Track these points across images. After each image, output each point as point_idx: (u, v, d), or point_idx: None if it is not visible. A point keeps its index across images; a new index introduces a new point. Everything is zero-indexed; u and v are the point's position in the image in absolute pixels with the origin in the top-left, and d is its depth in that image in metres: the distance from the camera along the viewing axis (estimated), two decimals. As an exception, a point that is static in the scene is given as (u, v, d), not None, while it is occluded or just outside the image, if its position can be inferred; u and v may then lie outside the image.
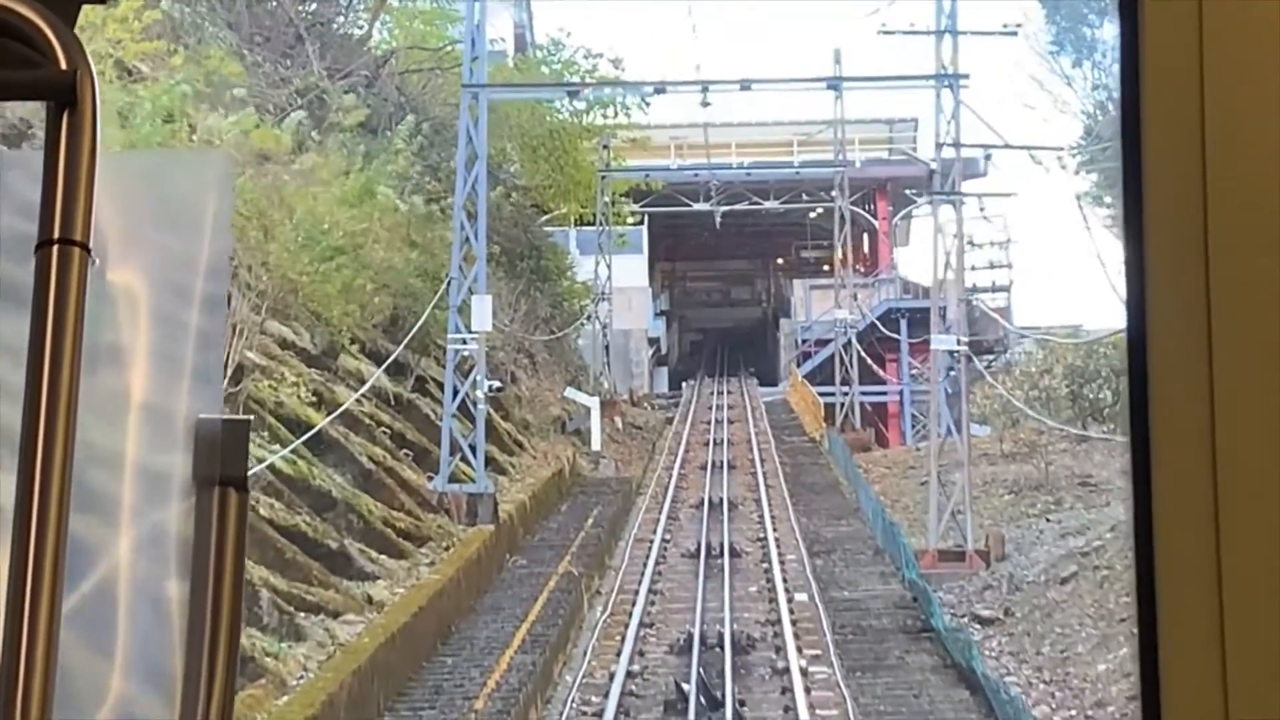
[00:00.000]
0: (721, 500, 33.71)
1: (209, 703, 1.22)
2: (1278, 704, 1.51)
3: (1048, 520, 31.20)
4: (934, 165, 28.37)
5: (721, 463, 40.17)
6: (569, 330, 50.42)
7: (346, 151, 33.60)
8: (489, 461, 33.40)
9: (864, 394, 56.37)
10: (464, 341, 28.77)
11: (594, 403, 42.24)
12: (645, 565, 27.19)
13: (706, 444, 44.99)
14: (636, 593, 25.04)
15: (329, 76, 44.07)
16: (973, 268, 75.11)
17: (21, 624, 1.08)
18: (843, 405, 52.88)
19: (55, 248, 1.15)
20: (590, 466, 41.50)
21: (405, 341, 27.67)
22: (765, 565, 27.31)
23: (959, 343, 28.35)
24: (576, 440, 42.93)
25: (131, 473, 1.28)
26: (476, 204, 29.54)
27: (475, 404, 28.64)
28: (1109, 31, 72.20)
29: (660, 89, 29.38)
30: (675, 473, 38.96)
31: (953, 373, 30.35)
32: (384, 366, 27.47)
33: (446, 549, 25.47)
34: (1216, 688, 1.51)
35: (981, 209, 29.75)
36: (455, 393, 28.60)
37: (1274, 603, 1.51)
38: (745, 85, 29.19)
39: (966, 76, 28.58)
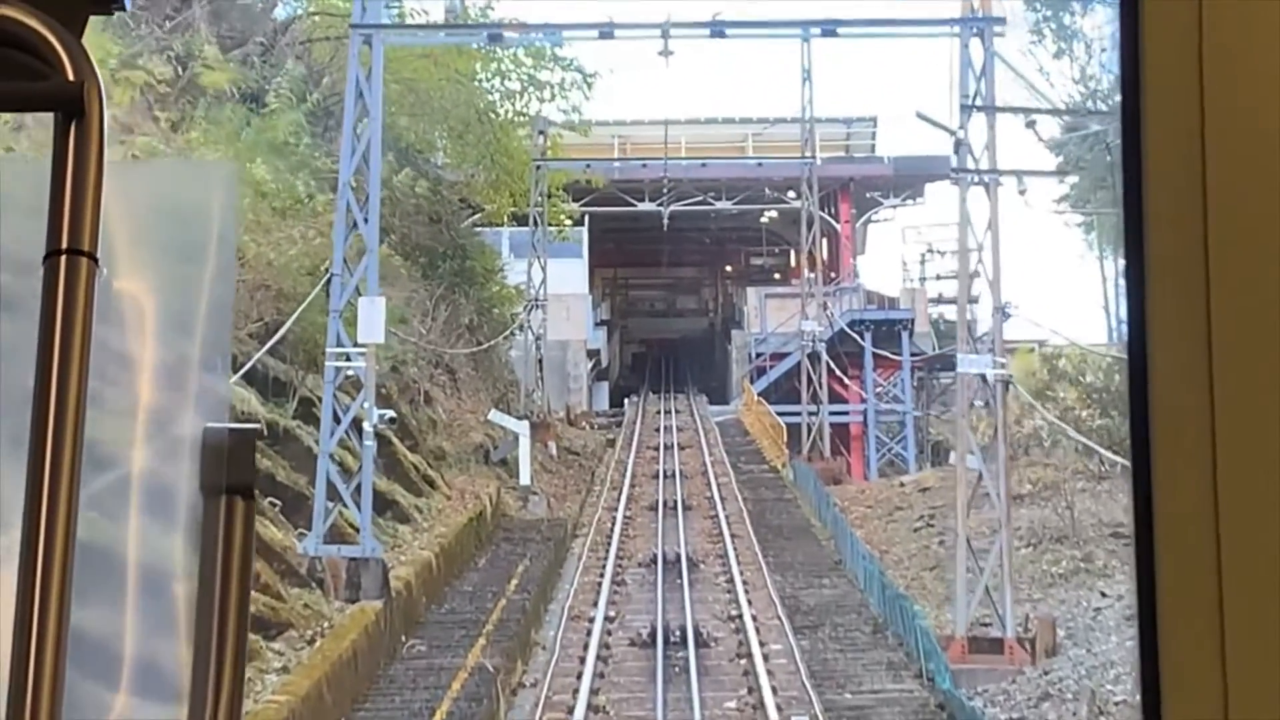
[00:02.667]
0: (679, 557, 27.03)
1: (216, 709, 1.21)
2: (1278, 707, 1.50)
3: (1097, 592, 24.66)
4: (960, 133, 21.77)
5: (675, 502, 33.53)
6: (495, 341, 43.57)
7: (204, 121, 26.73)
8: (389, 506, 26.67)
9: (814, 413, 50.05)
10: (347, 357, 21.95)
11: (523, 428, 35.50)
12: (584, 659, 20.45)
13: (655, 476, 38.31)
14: (572, 707, 18.25)
15: (219, 44, 37.27)
16: (938, 276, 69.68)
17: (31, 629, 1.09)
18: (809, 429, 46.32)
19: (63, 257, 1.15)
20: (518, 505, 34.79)
21: (265, 350, 20.80)
22: (744, 660, 20.61)
23: (996, 365, 21.69)
24: (502, 472, 36.20)
25: (139, 480, 1.30)
26: (368, 179, 22.74)
27: (362, 438, 21.80)
28: (1091, 22, 66.25)
29: (608, 32, 22.81)
30: (619, 514, 32.24)
31: (983, 405, 23.67)
32: (240, 373, 20.73)
33: (311, 641, 18.70)
34: (1217, 690, 1.49)
35: (1022, 190, 23.14)
36: (336, 424, 21.78)
37: (1274, 605, 1.50)
38: (717, 31, 22.61)
39: (1002, 21, 22.11)
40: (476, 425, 36.84)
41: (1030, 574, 28.12)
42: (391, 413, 23.67)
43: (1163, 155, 1.55)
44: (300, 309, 22.46)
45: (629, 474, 38.71)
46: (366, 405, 21.77)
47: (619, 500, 34.66)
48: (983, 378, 22.33)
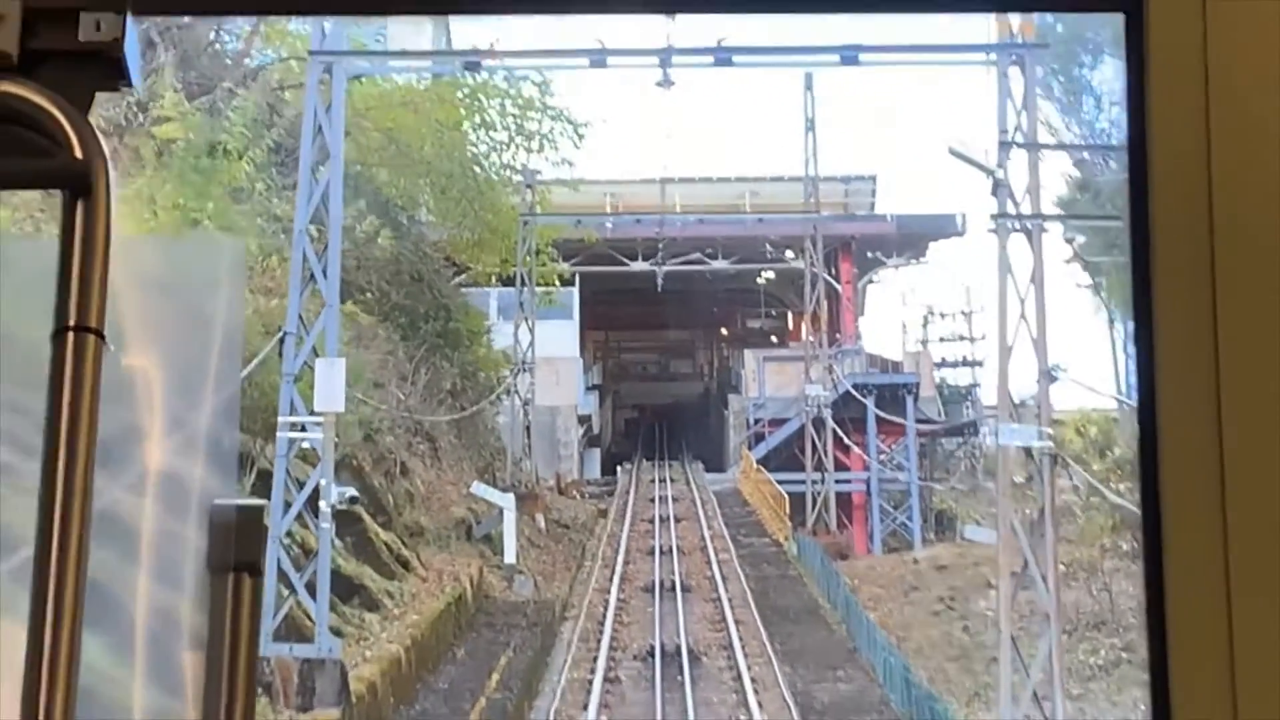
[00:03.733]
0: (679, 649, 24.26)
1: None
2: None
3: (1143, 686, 21.86)
4: (998, 173, 19.18)
5: (673, 582, 30.75)
6: (480, 407, 40.88)
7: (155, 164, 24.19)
8: (357, 591, 23.96)
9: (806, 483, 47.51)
10: (302, 427, 19.23)
11: (508, 501, 32.77)
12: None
13: (651, 552, 35.54)
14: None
15: (185, 91, 34.80)
16: (941, 339, 67.26)
17: (39, 700, 1.09)
18: (814, 499, 43.60)
19: (71, 334, 1.17)
20: (502, 585, 32.01)
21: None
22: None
23: (1042, 436, 18.99)
24: (486, 549, 33.43)
25: (148, 554, 1.30)
26: (328, 226, 20.11)
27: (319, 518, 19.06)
28: (1100, 76, 64.01)
29: (600, 60, 20.21)
30: (613, 597, 29.47)
31: (1025, 480, 20.97)
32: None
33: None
34: (1225, 693, 1.50)
35: (1069, 239, 20.48)
36: (288, 504, 19.04)
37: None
38: (722, 58, 20.00)
39: (1045, 47, 19.64)
40: (458, 498, 34.09)
41: (1066, 664, 25.35)
42: (353, 491, 21.02)
43: (1170, 199, 1.53)
44: (249, 368, 19.79)
45: (622, 548, 35.97)
46: (324, 481, 19.06)
47: (612, 579, 31.91)
48: (1027, 451, 19.68)
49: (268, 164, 30.22)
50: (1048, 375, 19.16)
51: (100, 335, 1.17)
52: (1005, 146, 18.86)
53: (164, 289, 1.36)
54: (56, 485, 1.14)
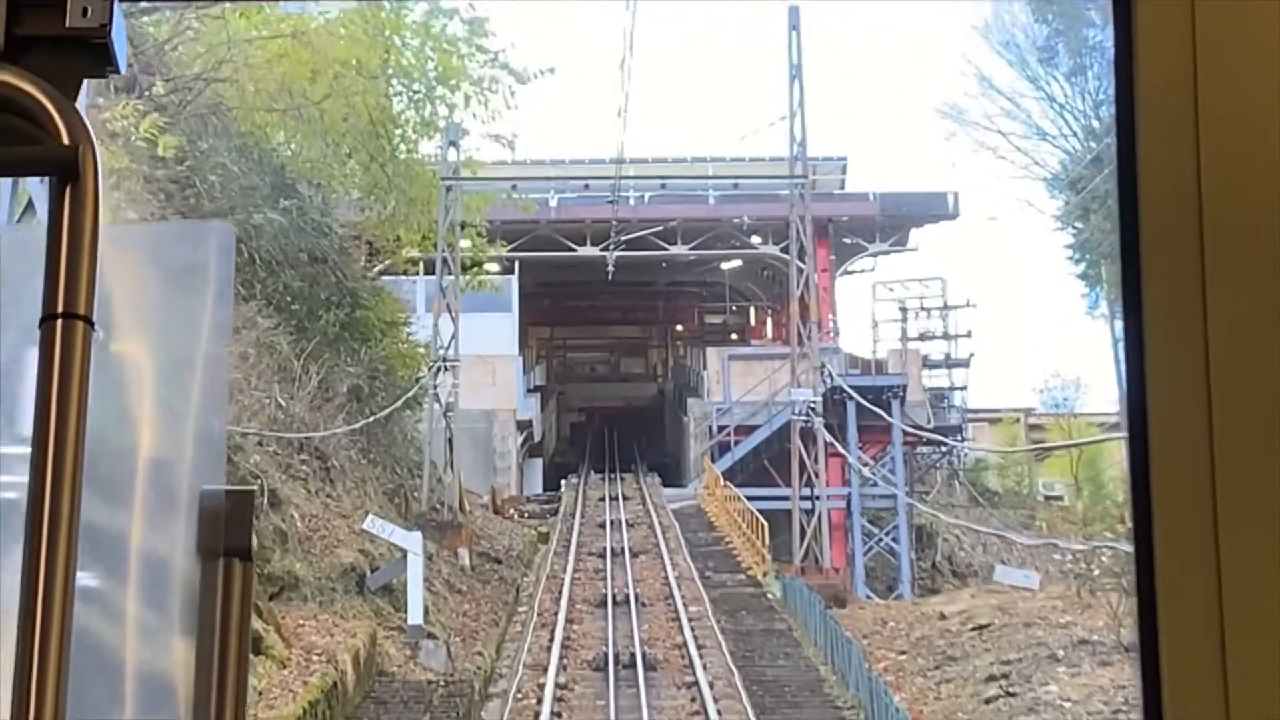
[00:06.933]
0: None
1: None
2: (1278, 707, 1.51)
3: None
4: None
5: (632, 656, 22.90)
6: (381, 415, 32.82)
7: None
8: (168, 697, 15.61)
9: (780, 500, 40.04)
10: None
11: (414, 541, 24.77)
12: None
13: (602, 603, 27.68)
14: None
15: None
16: (921, 336, 60.05)
17: (30, 687, 1.09)
18: (802, 528, 35.79)
19: (59, 322, 1.16)
20: (404, 655, 24.07)
21: None
22: None
23: None
24: (385, 603, 25.47)
25: (138, 541, 1.30)
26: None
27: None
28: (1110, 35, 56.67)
29: None
30: (550, 681, 21.54)
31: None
32: None
33: None
34: (1217, 691, 1.50)
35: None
36: None
37: (1273, 606, 1.51)
38: None
39: None
40: (350, 536, 26.03)
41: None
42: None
43: (1157, 179, 1.52)
44: None
45: (565, 599, 28.08)
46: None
47: (551, 647, 24.01)
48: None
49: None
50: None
51: (89, 322, 1.15)
52: None
53: (152, 274, 1.34)
54: (46, 472, 1.11)
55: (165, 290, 1.36)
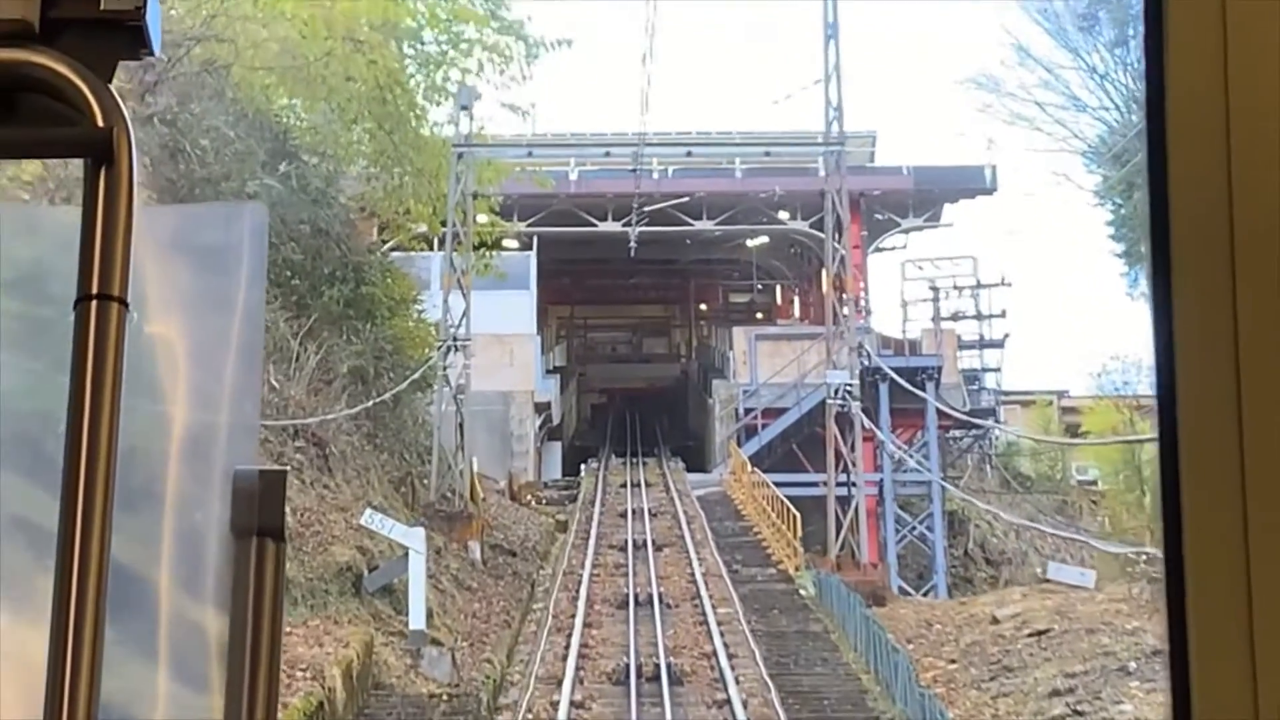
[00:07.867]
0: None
1: None
2: None
3: None
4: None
5: (657, 667, 20.64)
6: (386, 396, 30.58)
7: None
8: None
9: (810, 486, 37.85)
10: None
11: (416, 538, 22.53)
12: None
13: (623, 605, 25.41)
14: None
15: None
16: (953, 316, 57.99)
17: (65, 668, 1.10)
18: (838, 519, 33.45)
19: (94, 303, 1.17)
20: (404, 664, 21.84)
21: None
22: None
23: None
24: (385, 606, 23.26)
25: (171, 521, 1.31)
26: None
27: None
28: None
29: None
30: (565, 697, 19.26)
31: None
32: None
33: None
34: (1246, 692, 1.47)
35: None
36: None
37: None
38: None
39: None
40: (347, 532, 23.80)
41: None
42: None
43: (1188, 167, 1.51)
44: None
45: (583, 598, 25.82)
46: None
47: (567, 656, 21.75)
48: None
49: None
50: None
51: (124, 303, 1.16)
52: None
53: (185, 256, 1.35)
54: (81, 452, 1.12)
55: (199, 272, 1.36)
